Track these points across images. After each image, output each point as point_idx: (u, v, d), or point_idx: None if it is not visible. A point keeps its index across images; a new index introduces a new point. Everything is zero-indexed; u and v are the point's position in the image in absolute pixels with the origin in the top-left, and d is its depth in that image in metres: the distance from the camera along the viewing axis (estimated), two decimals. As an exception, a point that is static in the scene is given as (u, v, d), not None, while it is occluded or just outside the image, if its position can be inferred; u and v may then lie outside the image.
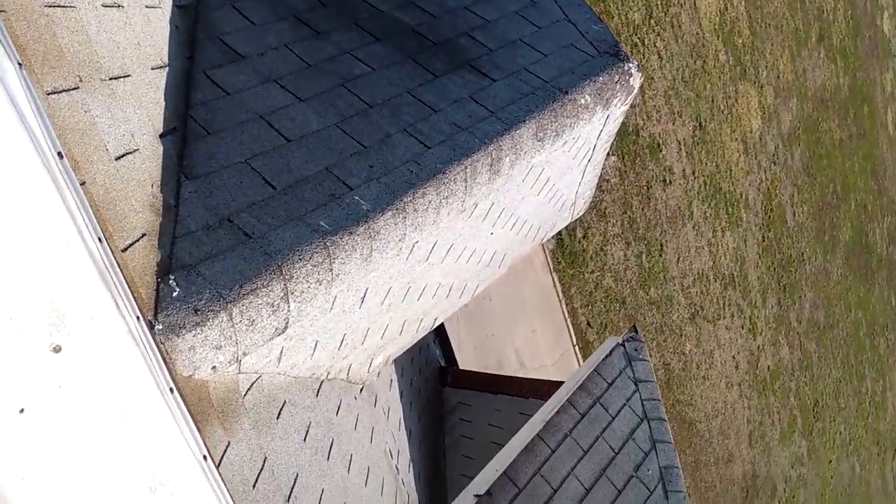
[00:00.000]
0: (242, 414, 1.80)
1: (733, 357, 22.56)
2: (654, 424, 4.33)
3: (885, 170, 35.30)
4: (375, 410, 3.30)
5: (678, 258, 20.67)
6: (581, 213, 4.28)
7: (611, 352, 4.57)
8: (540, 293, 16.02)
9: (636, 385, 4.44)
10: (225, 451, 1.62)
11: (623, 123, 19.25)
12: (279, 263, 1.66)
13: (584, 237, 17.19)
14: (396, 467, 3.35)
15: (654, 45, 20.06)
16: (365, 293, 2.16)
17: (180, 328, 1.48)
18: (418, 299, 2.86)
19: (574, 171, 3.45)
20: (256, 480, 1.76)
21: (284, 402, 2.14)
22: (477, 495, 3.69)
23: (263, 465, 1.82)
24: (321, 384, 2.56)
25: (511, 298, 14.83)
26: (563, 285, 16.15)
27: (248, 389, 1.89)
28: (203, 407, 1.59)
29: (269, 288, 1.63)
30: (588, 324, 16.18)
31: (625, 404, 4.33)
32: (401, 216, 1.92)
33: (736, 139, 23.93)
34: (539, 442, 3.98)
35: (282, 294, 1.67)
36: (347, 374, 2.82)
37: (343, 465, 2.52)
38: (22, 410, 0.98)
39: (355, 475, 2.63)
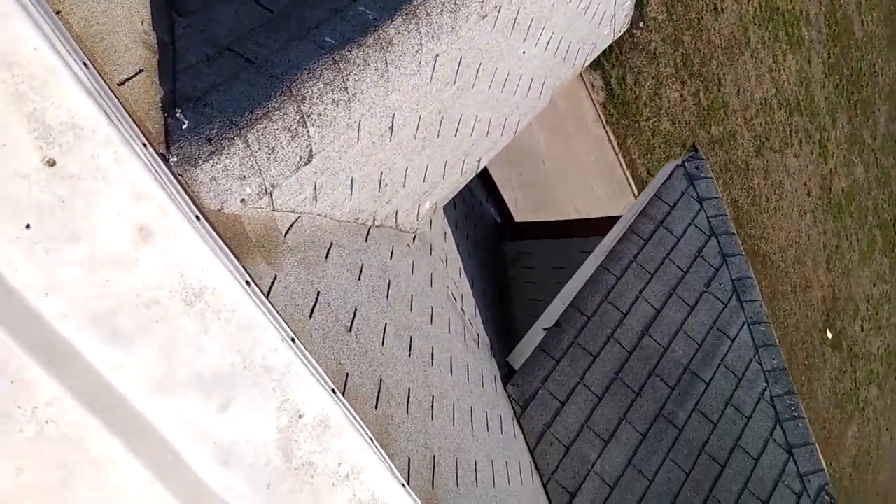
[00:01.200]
0: (286, 251, 1.77)
1: (804, 184, 21.74)
2: (722, 239, 4.18)
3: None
4: (432, 258, 3.28)
5: (738, 90, 19.60)
6: (623, 30, 3.97)
7: (670, 174, 4.37)
8: (596, 149, 15.57)
9: (700, 203, 4.26)
10: (272, 283, 1.60)
11: (663, -49, 17.67)
12: (288, 84, 1.56)
13: (635, 83, 16.41)
14: (462, 309, 3.36)
15: None
16: (392, 121, 2.05)
17: (196, 159, 1.42)
18: (455, 134, 2.73)
19: (606, -26, 3.14)
20: (312, 311, 1.75)
21: (331, 243, 2.11)
22: (546, 328, 3.70)
23: (318, 299, 1.81)
24: (369, 230, 2.52)
25: (565, 158, 14.49)
26: (618, 137, 15.63)
27: (289, 229, 1.85)
28: (240, 241, 1.56)
29: (282, 111, 1.54)
30: (648, 173, 15.70)
31: (690, 223, 4.18)
32: (413, 22, 1.76)
33: (791, -51, 21.84)
34: (603, 271, 3.92)
35: (297, 117, 1.58)
36: (396, 220, 2.76)
37: (404, 304, 2.52)
38: (28, 226, 0.94)
39: (418, 314, 2.63)
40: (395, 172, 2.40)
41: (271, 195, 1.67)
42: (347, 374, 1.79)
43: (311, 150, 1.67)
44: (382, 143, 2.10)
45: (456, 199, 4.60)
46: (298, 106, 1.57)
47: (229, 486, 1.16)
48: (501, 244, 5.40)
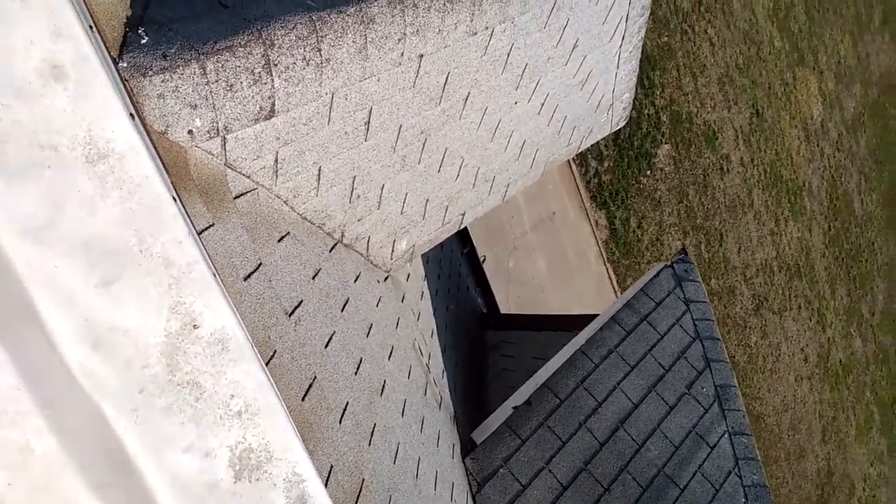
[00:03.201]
0: (232, 211, 1.67)
1: (802, 349, 21.57)
2: (707, 344, 4.04)
3: (960, 154, 33.39)
4: (402, 306, 3.15)
5: (739, 248, 19.97)
6: (621, 124, 4.05)
7: (658, 273, 4.31)
8: (595, 284, 15.63)
9: (687, 305, 4.16)
10: (207, 228, 1.50)
11: (675, 111, 18.74)
12: (258, 28, 1.54)
13: (638, 227, 16.76)
14: (427, 366, 3.18)
15: (704, 33, 19.56)
16: (369, 116, 2.02)
17: (147, 69, 1.36)
18: (439, 170, 2.70)
19: (607, 49, 3.24)
20: (249, 276, 1.63)
21: (288, 233, 2.01)
22: (515, 406, 3.49)
23: (258, 269, 1.69)
24: (335, 245, 2.42)
25: (564, 289, 14.53)
26: (617, 276, 15.74)
27: (242, 195, 1.77)
28: (179, 173, 1.47)
29: (248, 49, 1.50)
30: (645, 311, 15.44)
31: (675, 323, 4.05)
32: (398, 7, 1.77)
33: (796, 126, 23.06)
34: (582, 356, 3.75)
35: (262, 61, 1.54)
36: (367, 248, 2.67)
37: (360, 326, 2.37)
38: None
39: (375, 344, 2.47)
40: (370, 185, 2.34)
41: (224, 142, 1.60)
42: (275, 352, 1.63)
43: (273, 104, 1.62)
44: (356, 138, 2.05)
45: (441, 270, 4.52)
46: (266, 51, 1.54)
47: (92, 372, 1.00)
48: (484, 331, 5.25)
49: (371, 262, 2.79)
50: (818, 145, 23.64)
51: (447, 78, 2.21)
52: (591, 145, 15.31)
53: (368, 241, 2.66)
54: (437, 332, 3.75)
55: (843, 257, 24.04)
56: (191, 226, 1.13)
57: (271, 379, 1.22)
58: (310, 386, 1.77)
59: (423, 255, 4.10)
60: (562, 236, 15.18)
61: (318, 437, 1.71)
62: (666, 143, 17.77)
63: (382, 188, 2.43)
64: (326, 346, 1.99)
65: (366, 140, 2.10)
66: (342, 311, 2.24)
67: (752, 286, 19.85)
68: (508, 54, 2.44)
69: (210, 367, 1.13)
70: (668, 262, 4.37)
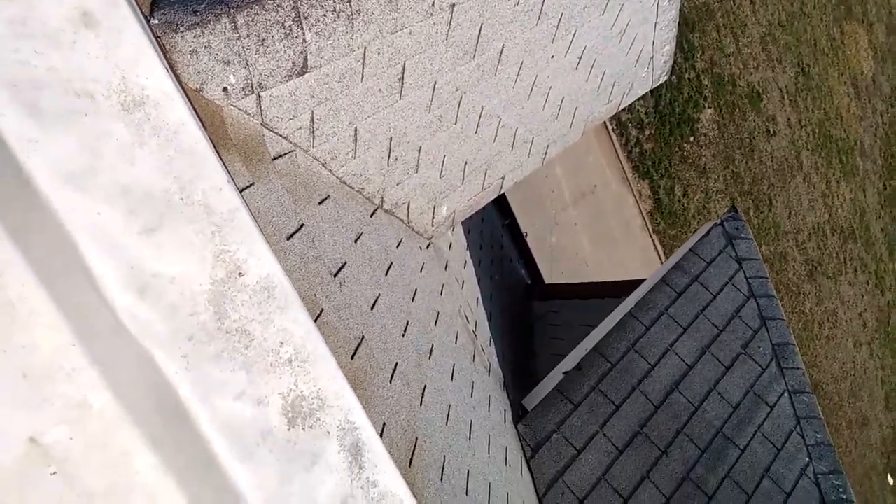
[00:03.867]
0: (271, 171, 1.66)
1: (860, 315, 20.89)
2: (762, 302, 3.91)
3: None
4: (446, 273, 3.12)
5: (790, 212, 19.37)
6: (662, 80, 3.93)
7: (708, 232, 4.18)
8: (640, 255, 15.37)
9: (739, 263, 4.03)
10: (248, 186, 1.49)
11: (717, 74, 18.16)
12: (288, -20, 1.51)
13: (683, 195, 16.40)
14: (474, 333, 3.15)
15: (743, -10, 18.88)
16: (403, 72, 1.98)
17: (179, 25, 1.35)
18: (476, 131, 2.65)
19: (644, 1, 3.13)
20: (292, 236, 1.62)
21: (329, 196, 2.00)
22: (566, 372, 3.44)
23: (300, 229, 1.68)
24: (376, 210, 2.40)
25: (609, 264, 14.31)
26: (664, 247, 15.45)
27: (280, 156, 1.75)
28: (216, 130, 1.46)
29: (277, 2, 1.48)
30: (693, 281, 15.15)
31: (727, 282, 3.94)
32: (427, -46, 1.72)
33: (845, 83, 22.18)
34: (632, 319, 3.68)
35: (293, 14, 1.52)
36: (408, 213, 2.65)
37: (405, 291, 2.35)
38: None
39: (420, 309, 2.46)
40: (407, 147, 2.31)
41: (259, 100, 1.59)
42: (322, 311, 1.62)
43: (305, 58, 1.60)
44: (391, 96, 2.02)
45: (483, 240, 4.47)
46: (295, 3, 1.51)
47: (139, 318, 0.99)
48: (529, 302, 5.19)
49: (412, 229, 2.77)
50: (870, 101, 22.71)
51: (480, 30, 2.16)
52: (631, 113, 14.98)
53: (409, 207, 2.63)
54: (481, 300, 3.72)
55: (900, 217, 23.15)
56: (229, 175, 1.12)
57: (319, 328, 1.20)
58: (358, 345, 1.76)
59: (464, 225, 4.06)
60: (605, 209, 14.94)
61: (370, 394, 1.70)
62: (709, 107, 17.29)
63: (420, 150, 2.40)
64: (372, 307, 1.98)
65: (400, 98, 2.07)
66: (386, 275, 2.22)
67: (804, 251, 19.28)
68: (543, 3, 2.37)
69: (258, 314, 1.12)
70: (718, 221, 4.25)
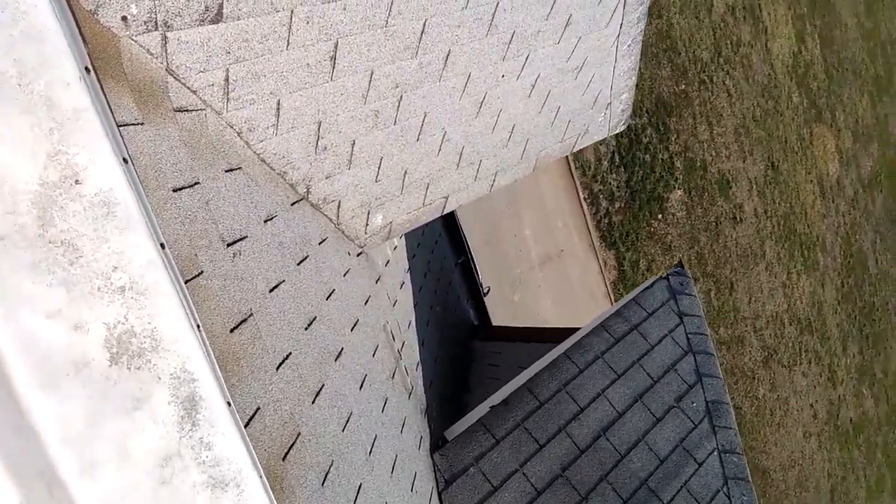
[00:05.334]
0: (169, 120, 1.56)
1: (811, 405, 21.00)
2: (700, 358, 3.84)
3: (977, 221, 33.01)
4: (376, 287, 3.00)
5: (750, 298, 19.63)
6: (619, 128, 3.94)
7: (652, 284, 4.14)
8: (599, 324, 15.29)
9: (680, 318, 3.98)
10: (133, 124, 1.38)
11: (690, 158, 18.65)
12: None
13: (647, 269, 16.56)
14: (399, 352, 3.01)
15: (723, 83, 19.59)
16: (335, 50, 1.92)
17: (75, -61, 1.27)
18: (417, 138, 2.59)
19: (603, 36, 3.15)
20: (179, 189, 1.50)
21: (240, 168, 1.89)
22: (492, 406, 3.31)
23: (192, 186, 1.56)
24: (300, 201, 2.30)
25: (569, 325, 14.22)
26: (624, 318, 15.41)
27: (185, 110, 1.65)
28: (108, 59, 1.36)
29: (193, -62, 1.41)
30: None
31: (667, 335, 3.87)
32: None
33: (811, 181, 22.90)
34: (566, 360, 3.58)
35: (210, -46, 1.45)
36: (337, 213, 2.55)
37: (319, 287, 2.23)
38: None
39: (336, 312, 2.33)
40: (339, 137, 2.23)
41: (165, 40, 1.50)
42: (202, 273, 1.50)
43: (220, 5, 1.52)
44: (321, 75, 1.94)
45: (430, 271, 4.37)
46: (213, -57, 1.45)
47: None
48: (472, 342, 5.07)
49: (342, 232, 2.67)
50: (833, 201, 23.41)
51: (424, 26, 2.11)
52: (604, 185, 15.23)
53: (339, 207, 2.53)
54: (415, 325, 3.59)
55: (855, 315, 23.57)
56: (83, 71, 1.01)
57: (170, 262, 1.08)
58: (243, 321, 1.63)
59: (409, 249, 3.96)
60: (569, 274, 14.99)
61: (245, 373, 1.56)
62: (679, 188, 17.66)
63: (353, 145, 2.32)
64: (271, 290, 1.86)
65: (332, 79, 2.00)
66: (298, 265, 2.10)
67: (761, 338, 19.46)
68: (493, 14, 2.34)
69: (91, 230, 1.00)
70: (664, 275, 4.21)
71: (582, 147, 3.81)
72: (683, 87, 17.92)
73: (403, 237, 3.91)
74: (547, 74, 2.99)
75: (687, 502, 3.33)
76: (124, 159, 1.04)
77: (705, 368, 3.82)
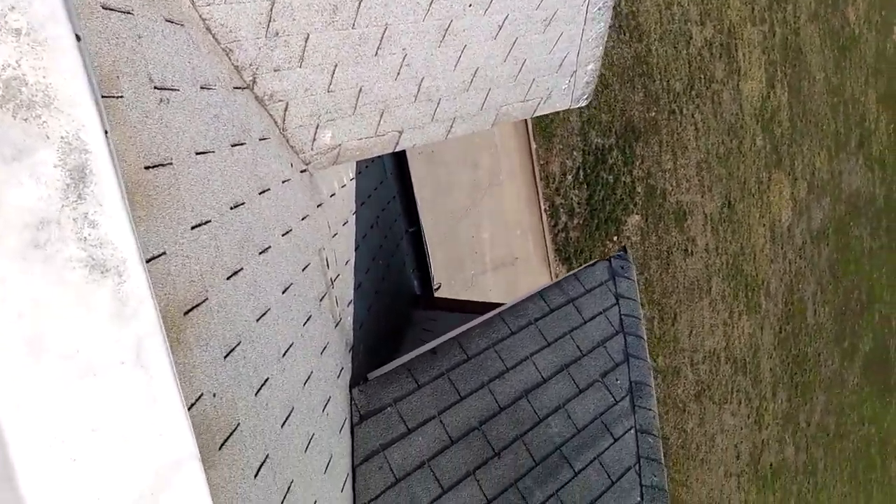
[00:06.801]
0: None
1: (735, 446, 21.47)
2: (630, 339, 3.87)
3: (914, 288, 34.37)
4: (317, 211, 2.94)
5: (691, 331, 20.02)
6: (583, 102, 3.96)
7: (594, 263, 4.17)
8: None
9: (617, 299, 4.01)
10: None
11: (651, 185, 18.94)
12: None
13: (596, 288, 16.64)
14: (332, 281, 2.95)
15: (692, 116, 20.01)
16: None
17: None
18: (375, 53, 2.55)
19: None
20: (110, 10, 1.43)
21: (182, 25, 1.82)
22: (421, 354, 3.27)
23: (127, 15, 1.49)
24: (244, 88, 2.23)
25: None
26: (567, 332, 15.55)
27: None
28: None
29: None
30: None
31: (601, 313, 3.89)
32: None
33: (764, 225, 23.53)
34: (499, 321, 3.56)
35: None
36: (283, 115, 2.48)
37: (250, 178, 2.16)
38: None
39: (266, 209, 2.26)
40: (291, 25, 2.16)
41: None
42: (122, 97, 1.42)
43: None
44: (281, -53, 1.89)
45: (379, 226, 4.31)
46: None
47: None
48: (412, 310, 5.03)
49: (287, 141, 2.60)
50: (782, 248, 24.08)
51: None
52: (565, 200, 15.38)
53: (286, 110, 2.47)
54: (354, 267, 3.53)
55: (789, 362, 24.21)
56: None
57: (83, 51, 1.01)
58: (161, 164, 1.56)
59: (357, 196, 3.90)
60: (521, 282, 15.07)
61: (155, 213, 1.49)
62: (637, 213, 17.95)
63: (307, 40, 2.26)
64: (198, 154, 1.78)
65: (292, -43, 1.94)
66: (232, 146, 2.03)
67: (697, 372, 19.83)
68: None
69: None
70: (607, 258, 4.24)
71: (544, 113, 3.82)
72: (654, 114, 18.25)
73: (354, 180, 3.85)
74: (515, 18, 2.98)
75: (598, 474, 3.34)
76: None
77: (634, 350, 3.85)
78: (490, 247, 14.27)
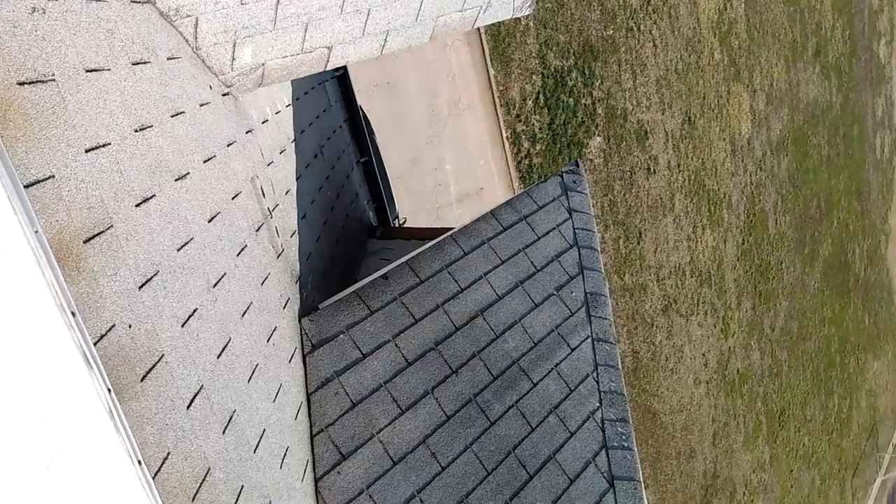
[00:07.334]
0: None
1: (703, 354, 22.14)
2: (584, 252, 3.85)
3: (870, 192, 35.22)
4: (245, 137, 2.80)
5: (656, 248, 20.26)
6: (525, 11, 3.79)
7: (546, 179, 4.10)
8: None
9: (570, 213, 3.96)
10: None
11: (611, 106, 18.77)
12: None
13: (561, 212, 16.68)
14: (270, 211, 2.84)
15: (649, 33, 19.68)
16: None
17: None
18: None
19: None
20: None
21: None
22: (372, 280, 3.20)
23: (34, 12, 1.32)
24: (144, 3, 2.05)
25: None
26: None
27: None
28: None
29: None
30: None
31: (554, 228, 3.85)
32: None
33: (724, 139, 23.60)
34: (451, 242, 3.50)
35: None
36: (195, 32, 2.31)
37: (158, 99, 2.01)
38: None
39: (184, 135, 2.12)
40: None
41: None
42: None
43: None
44: None
45: (324, 157, 4.16)
46: None
47: None
48: (367, 239, 4.94)
49: (203, 61, 2.43)
50: (742, 161, 24.28)
51: None
52: (527, 126, 15.18)
53: (197, 26, 2.30)
54: (296, 196, 3.41)
55: (752, 272, 24.79)
56: None
57: None
58: (38, 81, 1.42)
59: (296, 123, 3.74)
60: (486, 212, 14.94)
61: (35, 133, 1.36)
62: (599, 135, 17.83)
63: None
64: (88, 71, 1.64)
65: None
66: (133, 65, 1.88)
67: (663, 287, 20.20)
68: None
69: None
70: (559, 172, 4.18)
71: (485, 24, 3.66)
72: (611, 32, 17.92)
73: (291, 106, 3.68)
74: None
75: (556, 383, 3.36)
76: None
77: (588, 262, 3.83)
78: (454, 178, 14.12)
